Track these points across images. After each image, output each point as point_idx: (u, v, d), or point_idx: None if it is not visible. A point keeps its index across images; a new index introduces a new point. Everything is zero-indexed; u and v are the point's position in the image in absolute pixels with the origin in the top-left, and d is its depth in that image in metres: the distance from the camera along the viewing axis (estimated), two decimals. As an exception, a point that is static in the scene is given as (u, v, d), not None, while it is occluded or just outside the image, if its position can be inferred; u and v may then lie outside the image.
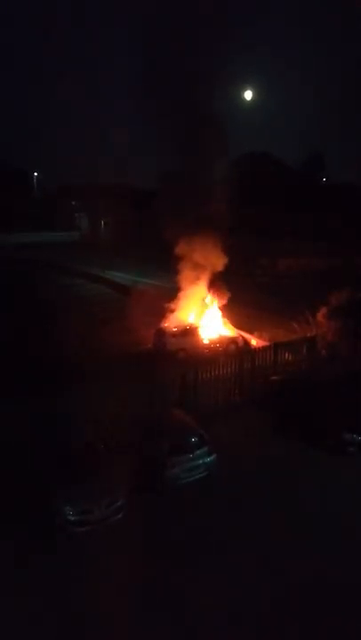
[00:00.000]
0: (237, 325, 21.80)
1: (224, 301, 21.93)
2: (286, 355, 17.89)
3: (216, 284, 21.99)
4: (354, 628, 8.04)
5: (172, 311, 21.69)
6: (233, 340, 20.29)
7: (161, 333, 20.29)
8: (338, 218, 38.20)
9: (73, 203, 66.82)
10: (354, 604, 8.42)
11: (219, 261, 21.65)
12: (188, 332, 20.36)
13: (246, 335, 21.01)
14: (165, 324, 21.07)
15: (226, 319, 21.91)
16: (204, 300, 22.08)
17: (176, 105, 21.95)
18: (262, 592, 8.62)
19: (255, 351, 17.56)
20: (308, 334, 19.09)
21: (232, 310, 22.22)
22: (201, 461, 11.32)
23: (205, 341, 20.28)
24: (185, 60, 21.26)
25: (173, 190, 22.53)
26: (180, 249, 21.60)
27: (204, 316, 21.80)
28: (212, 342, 20.26)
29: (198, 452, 11.36)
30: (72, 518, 9.74)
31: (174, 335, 20.20)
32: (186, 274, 22.06)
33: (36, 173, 68.45)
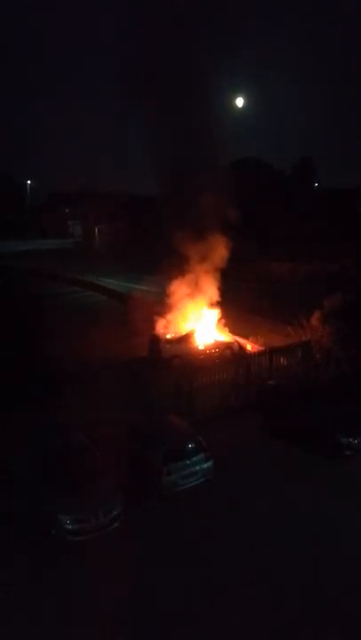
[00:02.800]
0: (232, 331, 21.85)
1: (219, 307, 21.98)
2: (282, 359, 17.94)
3: (211, 289, 22.04)
4: (353, 630, 8.04)
5: (167, 318, 21.71)
6: (228, 346, 20.31)
7: (156, 340, 20.29)
8: (330, 222, 38.48)
9: (66, 210, 66.91)
10: (355, 605, 8.43)
11: (213, 267, 21.72)
12: (184, 339, 20.38)
13: (242, 340, 21.05)
14: (160, 331, 21.07)
15: (221, 325, 21.95)
16: (199, 306, 22.12)
17: (170, 110, 22.14)
18: (264, 598, 8.59)
19: (251, 356, 17.61)
20: (303, 338, 19.16)
21: (227, 315, 22.26)
22: (198, 467, 11.31)
23: (201, 347, 20.30)
24: (177, 63, 21.46)
25: (169, 198, 22.66)
26: (175, 255, 21.66)
27: (199, 322, 21.82)
28: (207, 348, 20.28)
29: (195, 458, 11.35)
30: (69, 527, 9.68)
31: (169, 342, 20.21)
32: (181, 280, 22.11)
33: (29, 181, 68.49)
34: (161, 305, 22.38)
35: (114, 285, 35.98)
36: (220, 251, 21.67)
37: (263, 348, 18.49)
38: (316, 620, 8.18)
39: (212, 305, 22.06)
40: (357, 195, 46.82)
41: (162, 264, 22.59)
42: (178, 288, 22.14)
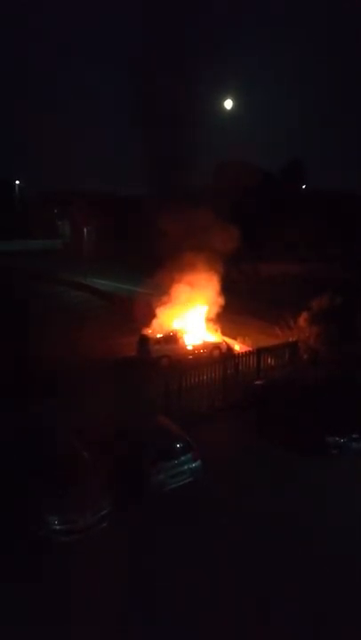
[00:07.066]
0: (221, 331, 21.97)
1: (208, 307, 22.06)
2: (269, 360, 18.11)
3: (200, 290, 22.12)
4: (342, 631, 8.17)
5: (156, 318, 21.75)
6: (217, 346, 20.43)
7: (144, 340, 20.32)
8: (318, 224, 38.83)
9: (55, 210, 66.43)
10: (346, 604, 8.56)
11: (202, 268, 21.80)
12: (172, 339, 20.44)
13: (230, 341, 21.19)
14: (149, 331, 21.12)
15: (209, 325, 22.06)
16: (187, 306, 22.19)
17: (159, 112, 22.27)
18: (251, 594, 8.68)
19: (239, 356, 17.74)
20: (291, 339, 19.36)
21: (215, 316, 22.36)
22: (186, 467, 11.37)
23: (189, 347, 20.38)
24: (166, 65, 21.62)
25: (159, 198, 22.74)
26: (164, 256, 21.73)
27: (187, 322, 21.90)
28: (195, 348, 20.37)
29: (183, 457, 11.41)
30: (57, 528, 9.68)
31: (158, 342, 20.26)
32: (169, 280, 22.17)
33: (17, 181, 67.85)
34: (149, 305, 22.41)
35: (102, 286, 35.87)
36: (209, 252, 21.77)
37: (251, 349, 18.64)
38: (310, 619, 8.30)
39: (201, 305, 22.14)
40: (346, 197, 47.27)
41: (151, 265, 22.67)
42: (166, 288, 22.20)
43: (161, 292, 22.29)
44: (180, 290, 21.98)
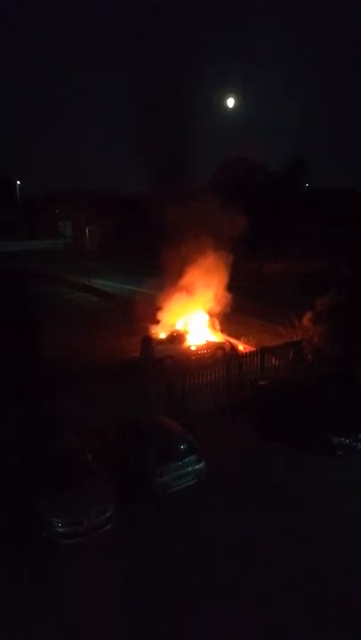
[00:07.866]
0: (224, 331, 21.86)
1: (211, 308, 21.95)
2: (273, 359, 17.99)
3: (203, 290, 22.00)
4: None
5: (160, 318, 21.66)
6: (220, 346, 20.33)
7: (148, 341, 20.24)
8: (321, 222, 38.65)
9: (57, 211, 66.48)
10: (351, 604, 8.45)
11: (205, 268, 21.69)
12: (176, 339, 20.35)
13: (233, 341, 21.08)
14: (152, 332, 21.03)
15: (213, 325, 21.95)
16: (191, 306, 22.09)
17: (160, 112, 22.18)
18: (254, 594, 8.59)
19: (242, 356, 17.62)
20: (295, 338, 19.22)
21: (218, 316, 22.27)
22: (190, 469, 11.28)
23: (193, 348, 20.28)
24: (167, 64, 21.51)
25: (160, 197, 22.65)
26: (167, 256, 21.64)
27: (191, 322, 21.80)
28: (199, 348, 20.27)
29: (187, 459, 11.32)
30: (61, 530, 9.62)
31: (161, 342, 20.18)
32: (172, 280, 22.08)
33: (19, 182, 67.88)
34: (152, 306, 22.32)
35: (105, 286, 35.82)
36: (211, 251, 21.67)
37: (255, 349, 18.51)
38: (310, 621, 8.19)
39: (204, 305, 22.03)
40: (349, 196, 47.09)
41: (153, 264, 22.58)
42: (169, 289, 22.11)
43: (164, 292, 22.19)
44: (183, 290, 21.89)
